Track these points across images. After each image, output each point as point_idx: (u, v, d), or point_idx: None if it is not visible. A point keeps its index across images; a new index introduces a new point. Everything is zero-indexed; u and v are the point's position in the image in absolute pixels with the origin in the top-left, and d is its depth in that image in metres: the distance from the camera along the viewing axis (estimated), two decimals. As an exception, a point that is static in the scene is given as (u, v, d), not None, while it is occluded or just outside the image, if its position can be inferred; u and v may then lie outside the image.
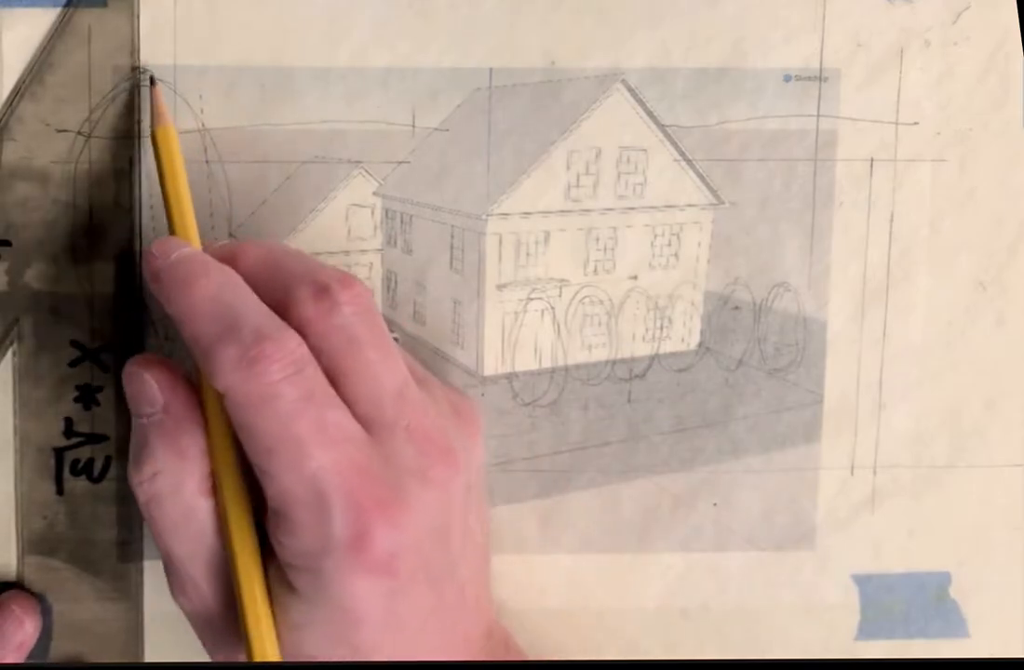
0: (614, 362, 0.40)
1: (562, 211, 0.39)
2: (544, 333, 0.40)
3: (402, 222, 0.39)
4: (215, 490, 0.33)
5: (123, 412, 0.38)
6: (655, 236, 0.40)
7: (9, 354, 0.38)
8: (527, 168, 0.39)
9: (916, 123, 0.39)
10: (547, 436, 0.40)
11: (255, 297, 0.33)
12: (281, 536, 0.31)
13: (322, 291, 0.32)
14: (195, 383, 0.34)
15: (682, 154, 0.39)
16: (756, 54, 0.39)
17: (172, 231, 0.35)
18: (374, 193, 0.39)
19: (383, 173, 0.38)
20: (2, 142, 0.37)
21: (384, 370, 0.33)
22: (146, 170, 0.37)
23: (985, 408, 0.41)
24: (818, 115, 0.39)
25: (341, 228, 0.39)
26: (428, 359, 0.40)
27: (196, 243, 0.35)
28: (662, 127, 0.39)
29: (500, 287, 0.39)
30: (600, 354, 0.40)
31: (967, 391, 0.41)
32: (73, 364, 0.38)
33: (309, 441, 0.31)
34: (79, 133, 0.37)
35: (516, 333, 0.40)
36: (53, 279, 0.37)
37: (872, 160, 0.39)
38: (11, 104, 0.37)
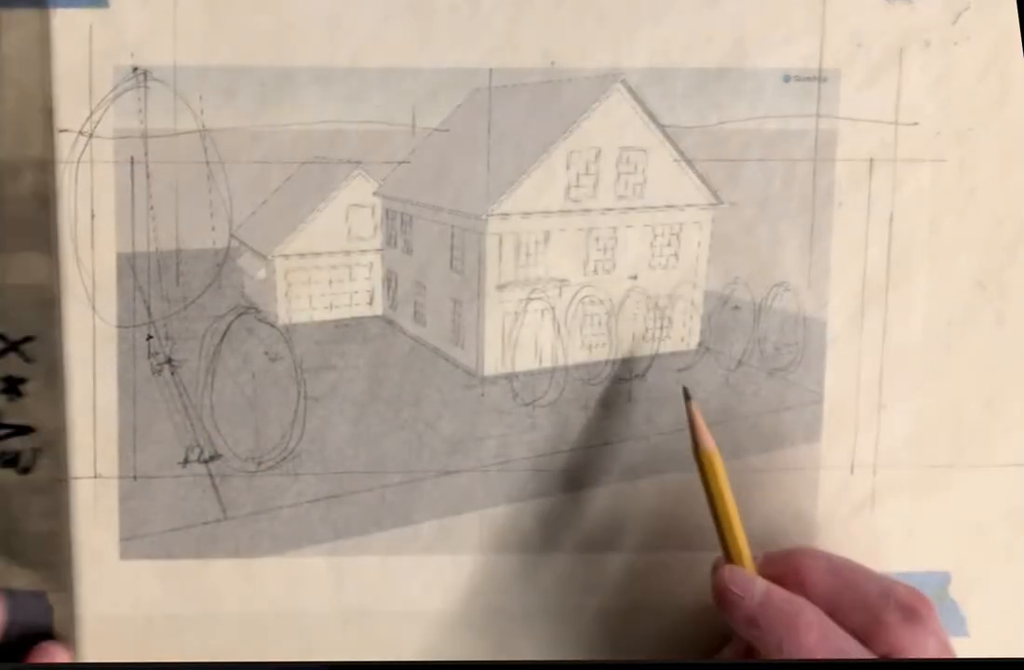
0: (614, 362, 0.40)
1: (562, 211, 0.39)
2: (544, 333, 0.40)
3: (402, 222, 0.39)
4: None
5: (51, 402, 0.38)
6: (655, 236, 0.40)
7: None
8: (527, 168, 0.39)
9: (916, 123, 0.39)
10: (547, 436, 0.40)
11: (844, 635, 0.34)
12: None
13: (912, 616, 0.35)
14: None
15: (682, 154, 0.39)
16: (756, 54, 0.39)
17: (728, 555, 0.37)
18: (374, 193, 0.39)
19: (383, 173, 0.39)
20: (4, 141, 0.37)
21: None
22: (146, 170, 0.37)
23: (985, 408, 0.41)
24: (818, 115, 0.39)
25: (341, 228, 0.39)
26: (428, 359, 0.40)
27: (749, 564, 0.37)
28: (662, 127, 0.39)
29: (500, 287, 0.39)
30: (600, 354, 0.40)
31: (967, 391, 0.41)
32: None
33: None
34: (80, 132, 0.37)
35: (516, 333, 0.40)
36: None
37: (872, 160, 0.39)
38: (13, 104, 0.37)
